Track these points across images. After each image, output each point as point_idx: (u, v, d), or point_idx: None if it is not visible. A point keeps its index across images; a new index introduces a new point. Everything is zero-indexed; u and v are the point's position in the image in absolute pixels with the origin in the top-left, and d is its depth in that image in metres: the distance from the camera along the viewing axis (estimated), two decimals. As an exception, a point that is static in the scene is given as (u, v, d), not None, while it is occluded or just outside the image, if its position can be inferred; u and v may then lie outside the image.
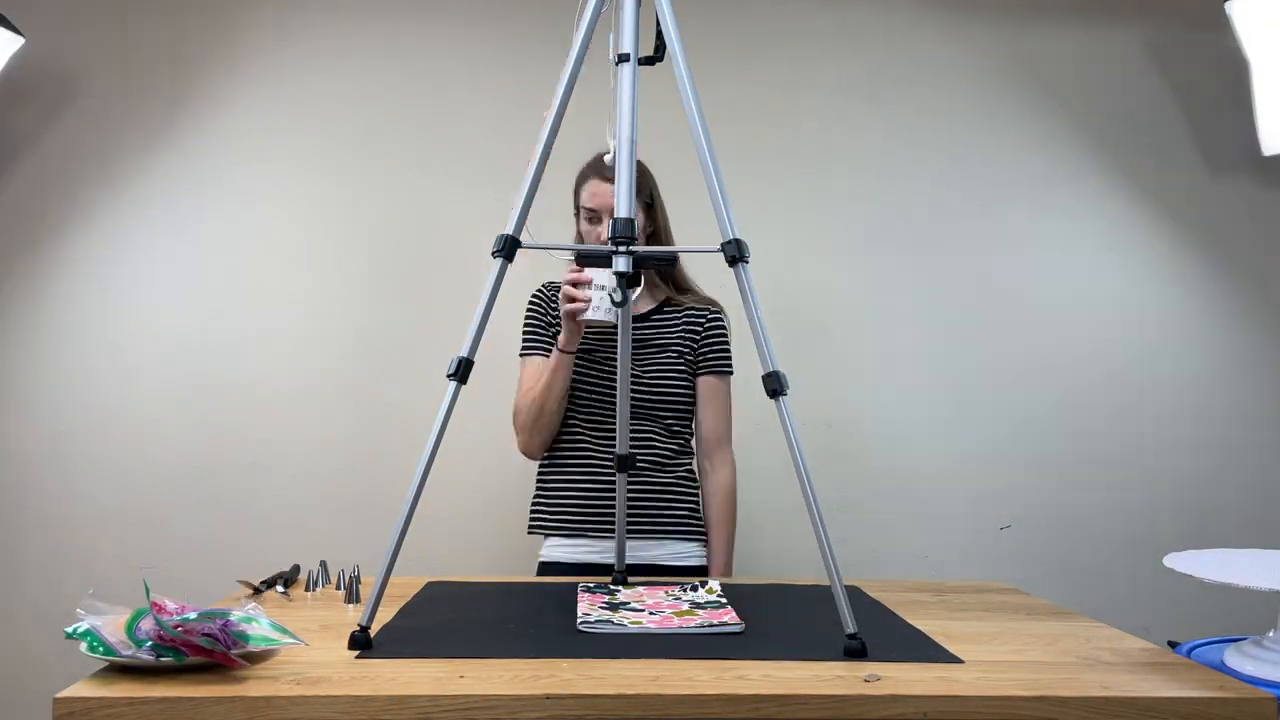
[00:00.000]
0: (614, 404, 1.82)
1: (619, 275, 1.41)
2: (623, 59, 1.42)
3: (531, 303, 2.01)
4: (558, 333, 1.89)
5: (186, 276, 2.50)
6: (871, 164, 2.60)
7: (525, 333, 2.00)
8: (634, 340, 1.91)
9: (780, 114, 2.58)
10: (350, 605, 1.52)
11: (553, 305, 1.97)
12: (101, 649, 1.10)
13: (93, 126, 2.49)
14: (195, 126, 2.51)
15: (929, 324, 2.59)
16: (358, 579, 1.56)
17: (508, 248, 1.37)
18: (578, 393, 1.92)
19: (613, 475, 1.82)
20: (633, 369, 1.89)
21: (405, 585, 1.62)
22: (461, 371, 1.34)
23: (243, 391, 2.49)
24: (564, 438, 1.96)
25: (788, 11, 2.59)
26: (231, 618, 1.14)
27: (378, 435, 2.50)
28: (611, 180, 1.82)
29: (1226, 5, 2.38)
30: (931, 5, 2.61)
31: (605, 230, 1.86)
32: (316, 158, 2.52)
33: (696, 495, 1.99)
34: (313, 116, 2.52)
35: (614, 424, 1.79)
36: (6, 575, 2.45)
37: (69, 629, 1.12)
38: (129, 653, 1.10)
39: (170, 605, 1.16)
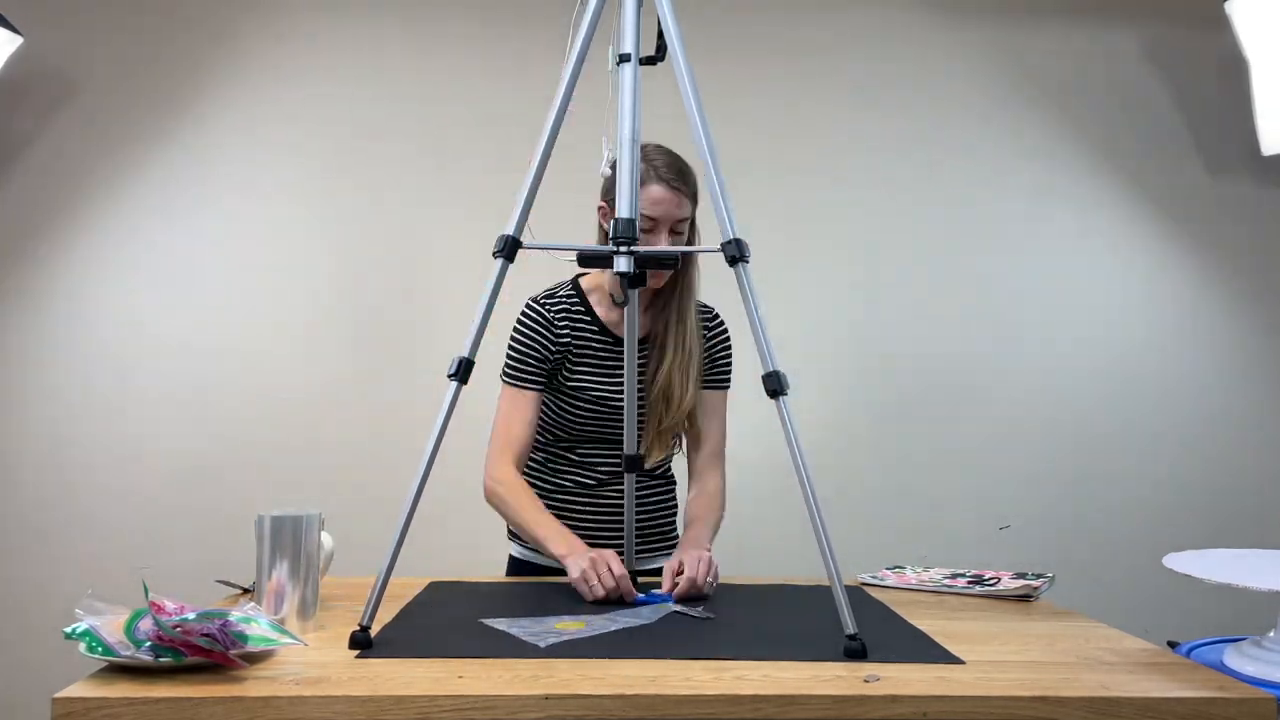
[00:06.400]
0: (613, 422, 1.78)
1: (620, 275, 1.38)
2: (623, 59, 1.41)
3: (526, 324, 1.75)
4: (555, 366, 1.74)
5: (185, 276, 2.50)
6: (870, 165, 2.60)
7: (514, 359, 1.74)
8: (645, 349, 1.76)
9: (779, 116, 2.58)
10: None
11: (556, 328, 1.74)
12: (100, 649, 1.10)
13: (91, 126, 2.49)
14: (194, 126, 2.51)
15: (929, 324, 2.59)
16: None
17: (508, 248, 1.37)
18: (577, 415, 1.79)
19: (605, 489, 1.80)
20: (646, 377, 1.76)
21: (405, 585, 1.61)
22: (462, 371, 1.35)
23: (241, 392, 2.49)
24: (552, 447, 1.84)
25: (787, 15, 2.59)
26: (230, 618, 1.14)
27: (378, 435, 2.50)
28: (677, 189, 1.63)
29: (1226, 5, 2.38)
30: (929, 8, 2.61)
31: (663, 240, 1.62)
32: (316, 158, 2.52)
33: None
34: (313, 117, 2.52)
35: (610, 437, 1.77)
36: (6, 575, 2.45)
37: (68, 629, 1.12)
38: (128, 653, 1.10)
39: (169, 605, 1.16)
